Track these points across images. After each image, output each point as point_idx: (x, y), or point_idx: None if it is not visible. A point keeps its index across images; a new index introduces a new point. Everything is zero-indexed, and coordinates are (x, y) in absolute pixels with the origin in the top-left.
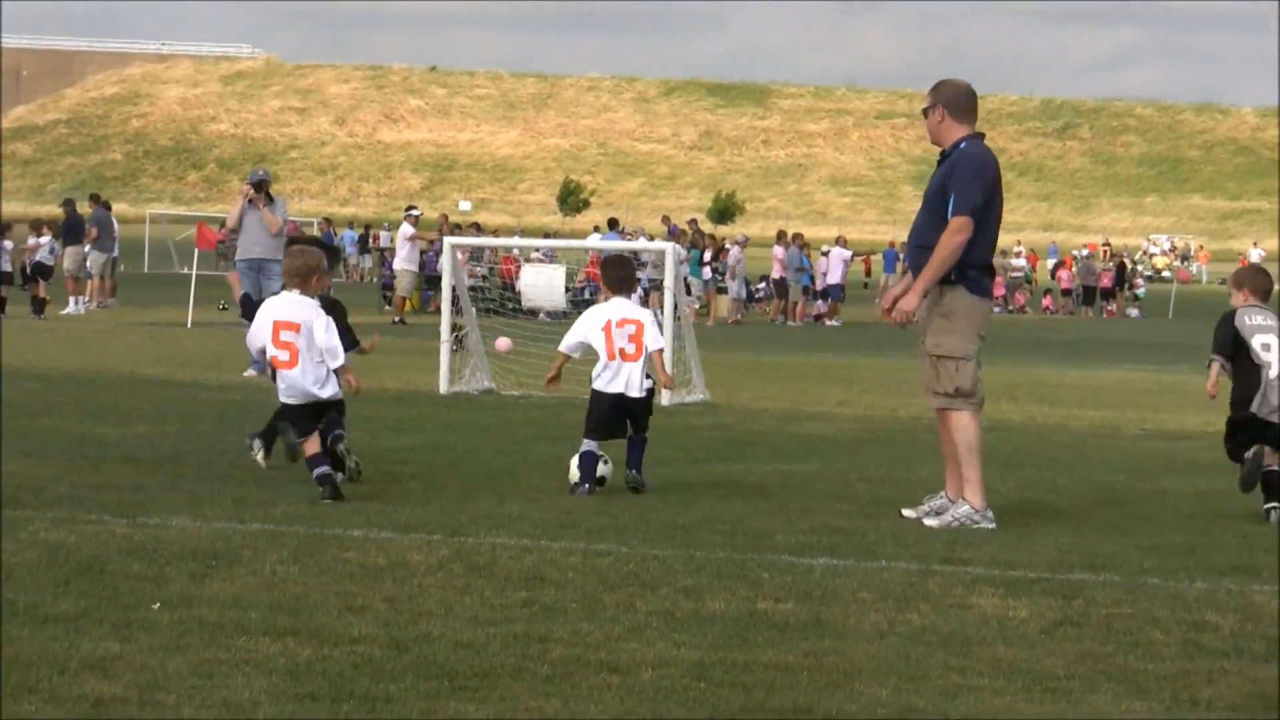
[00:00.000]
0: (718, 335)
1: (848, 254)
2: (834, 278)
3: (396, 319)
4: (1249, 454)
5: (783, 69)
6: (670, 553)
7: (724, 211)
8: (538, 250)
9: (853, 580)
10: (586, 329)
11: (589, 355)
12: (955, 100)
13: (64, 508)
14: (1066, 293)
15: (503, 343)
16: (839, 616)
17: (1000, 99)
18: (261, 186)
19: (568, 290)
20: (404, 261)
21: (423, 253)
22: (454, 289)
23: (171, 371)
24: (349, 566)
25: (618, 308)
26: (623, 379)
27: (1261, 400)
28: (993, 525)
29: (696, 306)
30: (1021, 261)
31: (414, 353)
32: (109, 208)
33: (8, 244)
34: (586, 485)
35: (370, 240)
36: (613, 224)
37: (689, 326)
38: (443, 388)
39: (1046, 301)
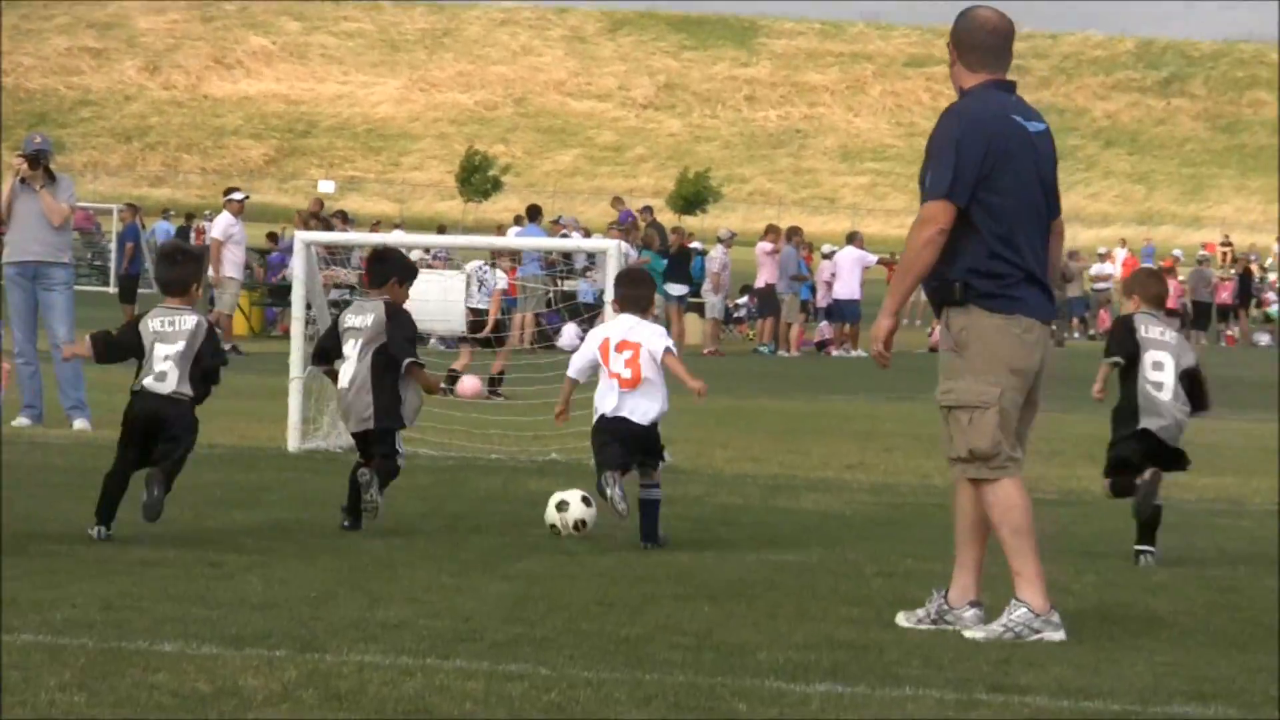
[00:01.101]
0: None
1: (869, 258)
2: (845, 290)
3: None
4: (1145, 477)
5: None
6: (610, 675)
7: (692, 197)
8: (428, 251)
9: (865, 714)
10: (591, 346)
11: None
12: (967, 36)
13: None
14: (1171, 312)
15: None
16: None
17: (1080, 39)
18: (39, 160)
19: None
20: (227, 266)
21: (263, 253)
22: (308, 304)
23: None
24: (158, 695)
25: (619, 327)
26: (626, 405)
27: (1149, 408)
28: (1061, 635)
29: None
30: (1109, 268)
31: (253, 394)
32: None
33: None
34: (617, 485)
35: (194, 235)
36: (534, 213)
37: None
38: (293, 443)
39: None
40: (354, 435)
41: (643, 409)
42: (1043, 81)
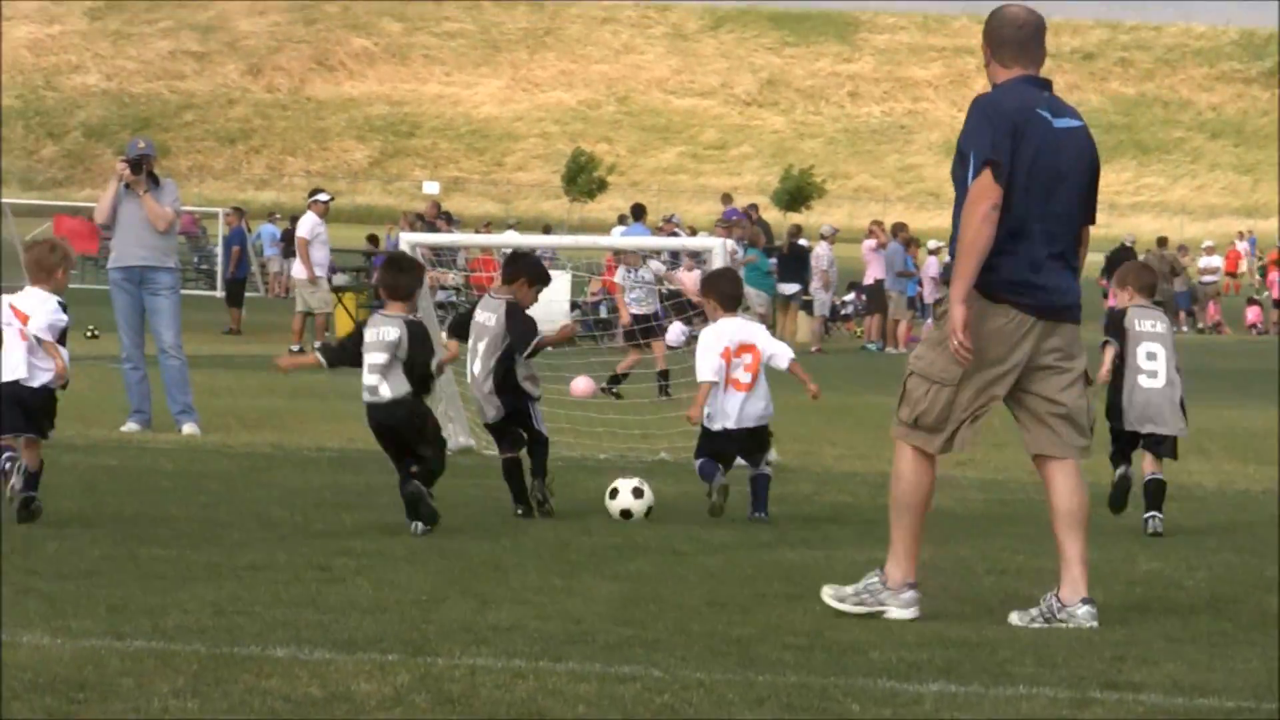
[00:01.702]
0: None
1: None
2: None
3: (296, 347)
4: (1120, 472)
5: None
6: (722, 677)
7: (796, 193)
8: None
9: (978, 713)
10: (715, 350)
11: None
12: (996, 33)
13: None
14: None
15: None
16: None
17: (1182, 30)
18: (142, 165)
19: (575, 307)
20: (315, 266)
21: (369, 255)
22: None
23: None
24: (270, 700)
25: (732, 330)
26: (746, 411)
27: (1139, 412)
28: (909, 613)
29: None
30: (1215, 260)
31: (358, 396)
32: None
33: None
34: (718, 476)
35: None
36: (639, 212)
37: None
38: None
39: (1252, 316)
40: (489, 426)
41: (760, 411)
42: (1146, 74)
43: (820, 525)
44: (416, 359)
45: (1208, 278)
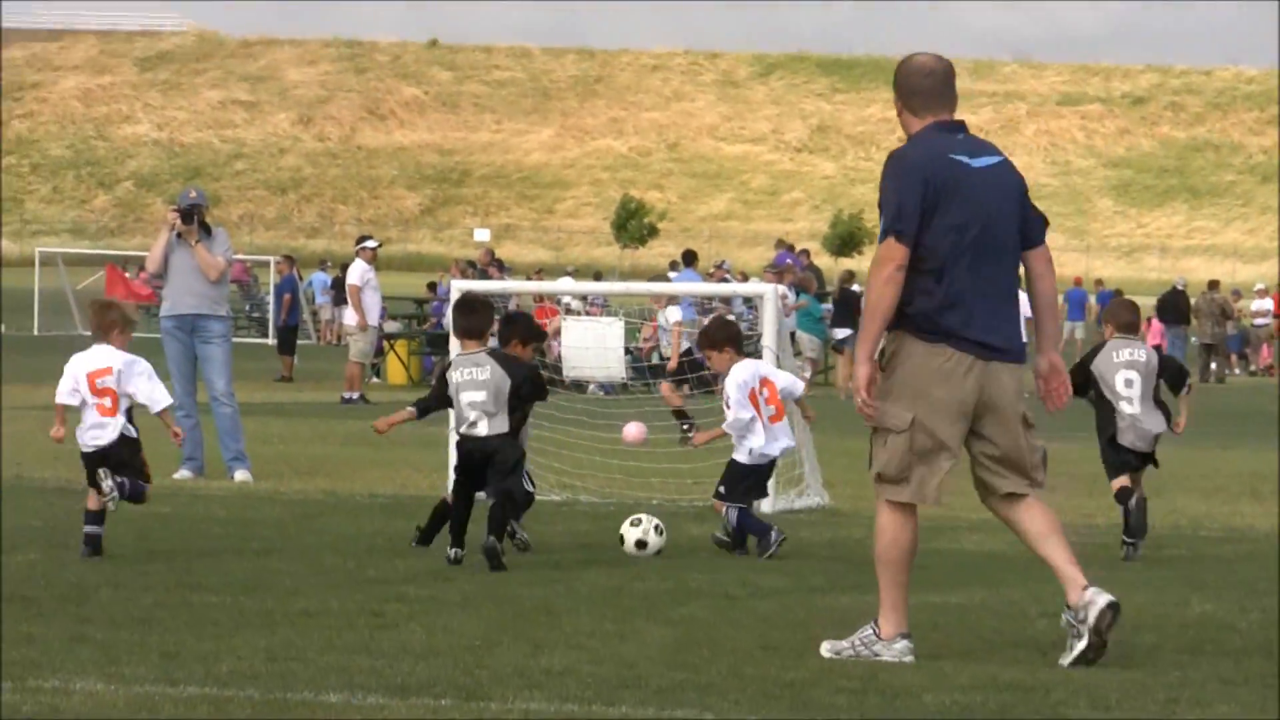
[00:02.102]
0: (839, 413)
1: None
2: None
3: (352, 395)
4: (1131, 503)
5: (924, 37)
6: (775, 719)
7: (847, 238)
8: (585, 297)
9: None
10: (745, 401)
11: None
12: (905, 82)
13: None
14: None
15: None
16: None
17: (1233, 74)
18: (194, 214)
19: (627, 353)
20: (366, 312)
21: (421, 303)
22: None
23: (73, 474)
24: None
25: (750, 370)
26: (775, 444)
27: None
28: (907, 659)
29: (808, 375)
30: (1266, 303)
31: (410, 443)
32: None
33: None
34: (775, 530)
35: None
36: (690, 258)
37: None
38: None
39: None
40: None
41: (785, 443)
42: (1197, 118)
43: (872, 569)
44: (518, 373)
45: (1260, 320)
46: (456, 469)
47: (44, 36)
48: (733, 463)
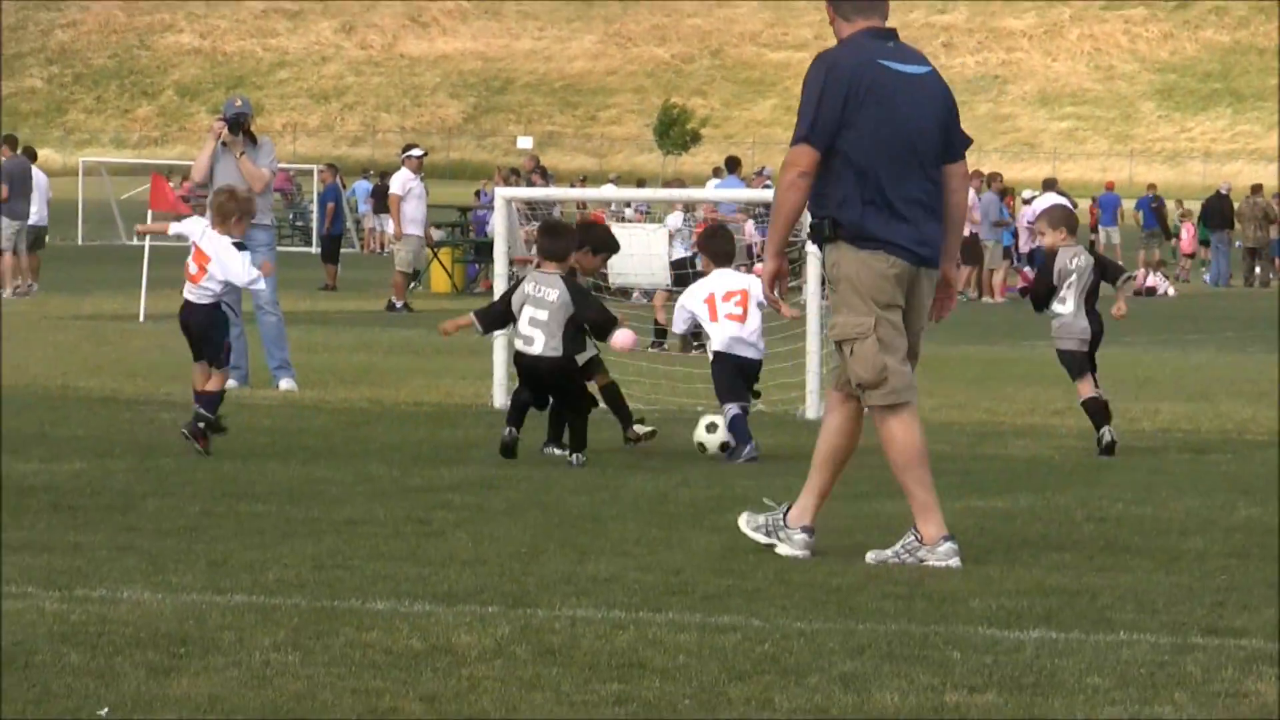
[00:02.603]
0: None
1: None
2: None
3: (397, 303)
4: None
5: None
6: (822, 626)
7: None
8: (629, 204)
9: (1079, 660)
10: (691, 303)
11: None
12: None
13: None
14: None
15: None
16: (1061, 711)
17: None
18: (240, 124)
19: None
20: (407, 222)
21: (464, 210)
22: (511, 259)
23: (119, 384)
24: (371, 653)
25: (721, 280)
26: (722, 336)
27: (1057, 333)
28: (954, 561)
29: None
30: None
31: (455, 351)
32: (32, 156)
33: None
34: (750, 445)
35: None
36: (733, 165)
37: None
38: (499, 399)
39: None
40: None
41: (753, 340)
42: (1241, 21)
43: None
44: (584, 312)
45: None
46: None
47: None
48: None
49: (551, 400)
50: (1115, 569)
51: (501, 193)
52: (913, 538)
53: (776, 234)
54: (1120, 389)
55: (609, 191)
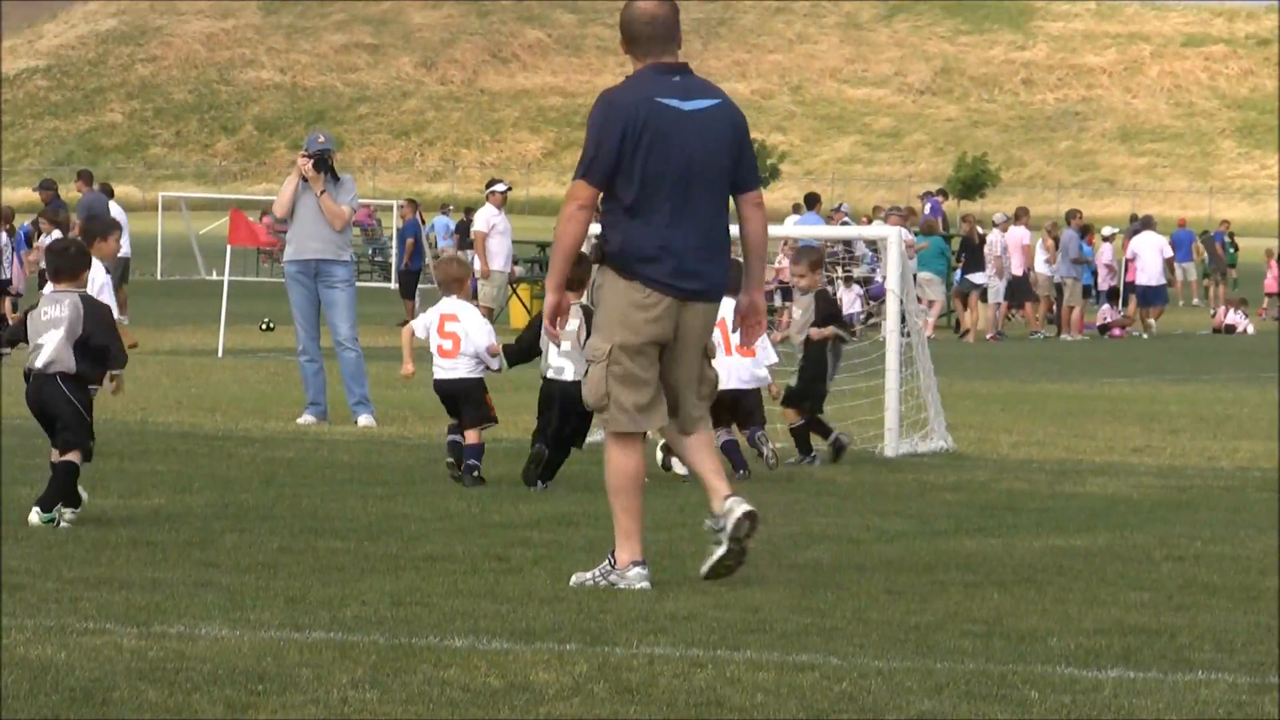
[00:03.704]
0: (963, 357)
1: (1168, 250)
2: (1150, 276)
3: None
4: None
5: None
6: (900, 664)
7: (970, 181)
8: None
9: (1157, 700)
10: None
11: None
12: (626, 28)
13: (51, 612)
14: None
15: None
16: None
17: None
18: (324, 161)
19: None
20: (492, 258)
21: (543, 247)
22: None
23: (198, 420)
24: (449, 691)
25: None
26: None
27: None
28: (642, 585)
29: (931, 318)
30: None
31: (533, 386)
32: (109, 192)
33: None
34: (741, 471)
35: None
36: (812, 201)
37: (923, 345)
38: None
39: None
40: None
41: (745, 375)
42: None
43: (997, 513)
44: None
45: None
46: (550, 411)
47: None
48: None
49: (561, 429)
50: (1194, 608)
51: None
52: (608, 562)
53: (556, 267)
54: (1199, 427)
55: None
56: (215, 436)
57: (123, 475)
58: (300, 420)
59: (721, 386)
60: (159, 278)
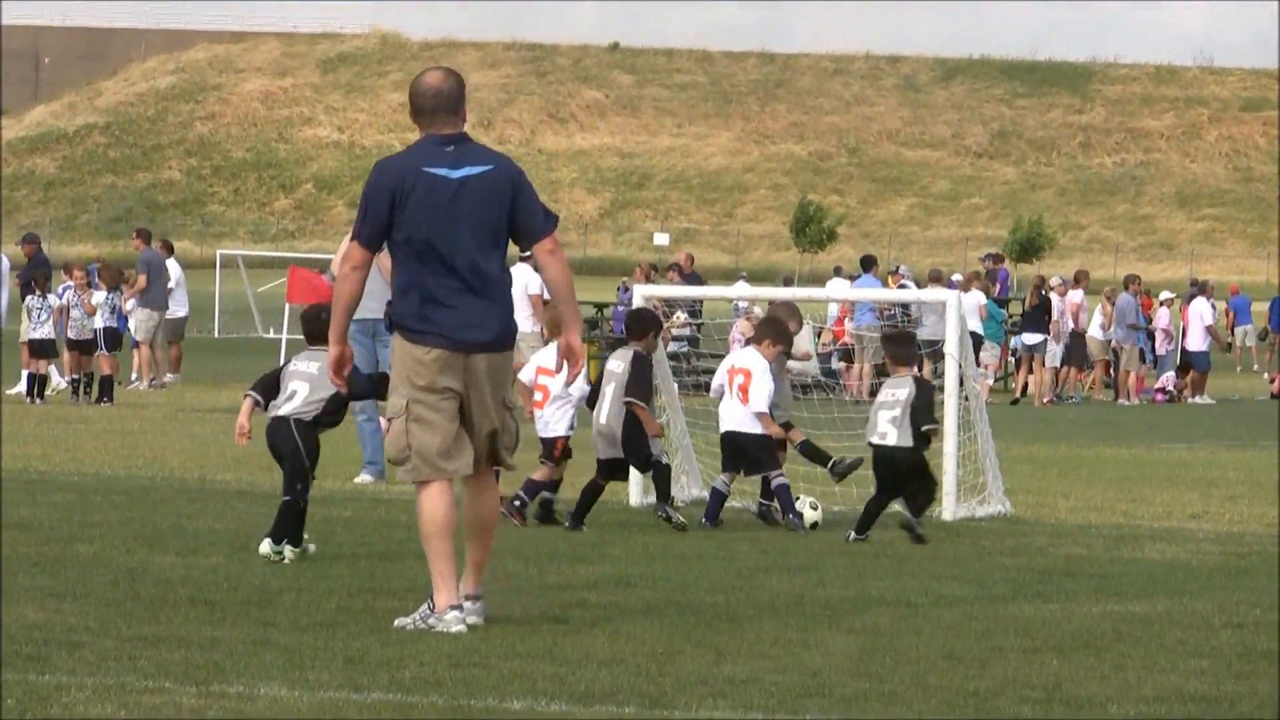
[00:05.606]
0: (1019, 420)
1: (1208, 315)
2: (1194, 342)
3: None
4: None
5: (1109, 41)
6: None
7: (1027, 244)
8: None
9: None
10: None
11: None
12: (414, 102)
13: (110, 671)
14: None
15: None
16: None
17: None
18: None
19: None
20: (529, 322)
21: (600, 308)
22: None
23: (256, 478)
24: None
25: (738, 356)
26: (727, 417)
27: None
28: (458, 628)
29: (990, 381)
30: None
31: (585, 447)
32: (170, 249)
33: (52, 297)
34: (707, 521)
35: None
36: (868, 263)
37: (981, 410)
38: (634, 498)
39: None
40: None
41: (728, 425)
42: None
43: (1055, 578)
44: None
45: None
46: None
47: (227, 39)
48: None
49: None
50: (1254, 675)
51: (640, 290)
52: (426, 606)
53: (335, 322)
54: (1257, 493)
55: (742, 289)
56: (273, 495)
57: (181, 533)
58: (358, 479)
59: (722, 429)
60: (216, 335)
